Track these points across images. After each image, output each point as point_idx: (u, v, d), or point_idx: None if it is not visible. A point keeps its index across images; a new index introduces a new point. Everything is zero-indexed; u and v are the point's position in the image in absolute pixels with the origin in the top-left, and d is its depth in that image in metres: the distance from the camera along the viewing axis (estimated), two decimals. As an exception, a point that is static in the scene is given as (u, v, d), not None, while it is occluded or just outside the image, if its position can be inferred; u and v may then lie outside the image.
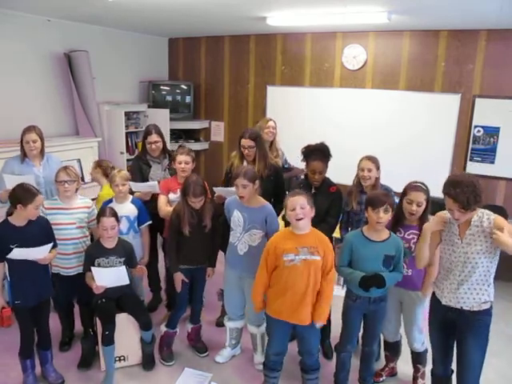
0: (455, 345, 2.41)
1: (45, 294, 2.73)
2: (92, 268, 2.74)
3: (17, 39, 4.29)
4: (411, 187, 2.61)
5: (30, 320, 2.67)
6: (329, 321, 3.14)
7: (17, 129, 3.69)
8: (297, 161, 3.42)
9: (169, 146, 3.92)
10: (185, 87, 5.95)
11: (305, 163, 3.09)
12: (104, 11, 4.12)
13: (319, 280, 2.49)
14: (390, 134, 4.85)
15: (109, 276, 2.77)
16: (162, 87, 5.94)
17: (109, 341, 2.83)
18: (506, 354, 3.19)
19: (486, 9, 3.41)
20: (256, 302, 2.65)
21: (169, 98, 5.91)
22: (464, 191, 2.10)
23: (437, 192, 3.09)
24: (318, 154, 2.98)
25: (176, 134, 5.91)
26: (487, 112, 4.40)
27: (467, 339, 2.28)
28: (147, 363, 3.02)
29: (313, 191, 3.03)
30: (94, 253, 2.85)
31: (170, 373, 2.99)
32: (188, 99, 5.95)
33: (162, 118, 5.21)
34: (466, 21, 4.02)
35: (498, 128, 4.39)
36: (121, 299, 2.93)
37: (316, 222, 2.88)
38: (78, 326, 3.19)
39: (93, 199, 3.23)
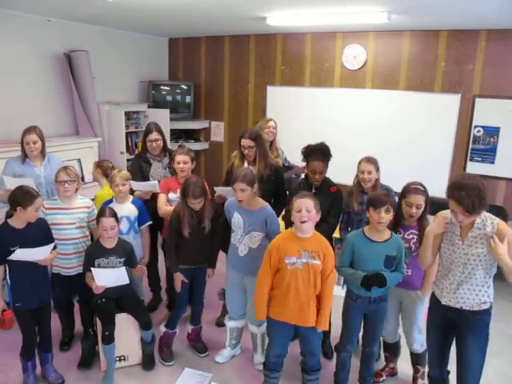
0: (454, 346, 2.40)
1: (45, 297, 2.73)
2: (92, 269, 2.74)
3: (17, 39, 4.29)
4: (410, 190, 2.60)
5: (32, 322, 2.67)
6: (329, 321, 3.14)
7: (17, 129, 3.69)
8: (297, 160, 3.43)
9: (169, 146, 3.92)
10: (185, 87, 5.95)
11: (305, 163, 3.09)
12: (104, 11, 4.12)
13: (319, 283, 2.50)
14: (390, 134, 4.85)
15: (109, 276, 2.77)
16: (162, 87, 5.94)
17: (109, 340, 2.83)
18: (505, 354, 3.19)
19: (486, 9, 3.41)
20: (260, 307, 2.58)
21: (169, 98, 5.91)
22: (469, 195, 2.06)
23: (436, 191, 3.10)
24: (318, 154, 2.98)
25: (176, 134, 5.91)
26: (487, 112, 4.40)
27: (467, 339, 2.28)
28: (147, 363, 3.02)
29: (313, 191, 3.02)
30: (94, 253, 2.85)
31: (170, 373, 2.99)
32: (188, 99, 5.95)
33: (162, 118, 5.20)
34: (466, 21, 4.02)
35: (498, 128, 4.38)
36: (121, 299, 2.93)
37: (316, 222, 2.89)
38: (78, 326, 3.19)
39: (91, 199, 3.23)
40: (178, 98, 5.96)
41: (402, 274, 2.56)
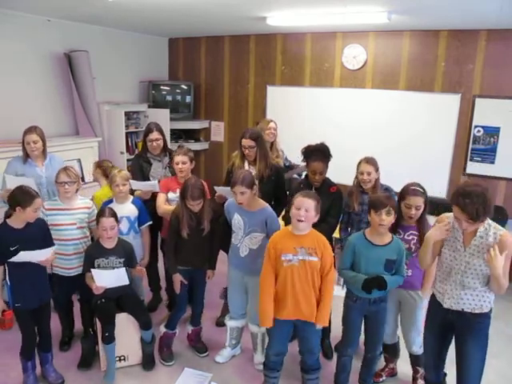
0: (453, 348, 2.39)
1: (45, 297, 2.73)
2: (92, 270, 2.74)
3: (17, 39, 4.29)
4: (409, 192, 2.59)
5: (32, 322, 2.67)
6: (329, 321, 3.14)
7: (17, 129, 3.69)
8: (298, 160, 3.42)
9: (169, 146, 3.92)
10: (185, 87, 5.95)
11: (305, 163, 3.10)
12: (104, 11, 4.12)
13: (318, 280, 2.50)
14: (390, 134, 4.84)
15: (109, 277, 2.77)
16: (162, 87, 5.93)
17: (109, 339, 2.83)
18: (505, 355, 3.18)
19: (486, 9, 3.41)
20: (265, 312, 2.51)
21: (169, 98, 5.91)
22: (473, 202, 2.04)
23: (435, 192, 3.13)
24: (318, 154, 2.98)
25: (176, 134, 5.91)
26: (487, 112, 4.40)
27: (468, 341, 2.28)
28: (147, 363, 3.02)
29: (313, 191, 3.03)
30: (94, 253, 2.85)
31: (170, 373, 2.99)
32: (188, 99, 5.94)
33: (162, 118, 5.20)
34: (466, 21, 4.02)
35: (498, 128, 4.38)
36: (121, 299, 2.93)
37: (316, 222, 2.89)
38: (78, 326, 3.19)
39: (90, 199, 3.23)
40: (178, 97, 5.95)
41: (402, 278, 2.55)
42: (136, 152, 5.25)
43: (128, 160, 5.09)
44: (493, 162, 4.46)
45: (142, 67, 5.78)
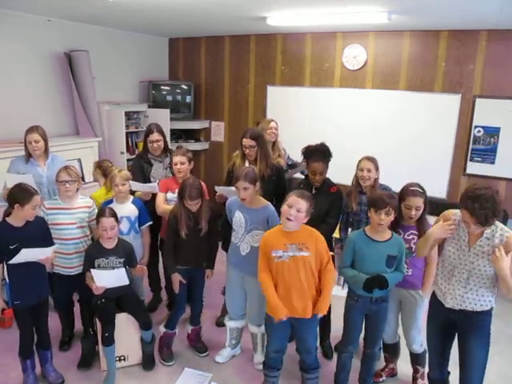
0: (454, 347, 2.40)
1: (43, 294, 2.73)
2: (91, 270, 2.74)
3: (17, 39, 4.29)
4: (409, 192, 2.59)
5: (29, 320, 2.67)
6: (329, 321, 3.14)
7: (17, 129, 3.70)
8: (300, 159, 3.42)
9: (169, 146, 3.92)
10: (185, 87, 5.95)
11: (305, 164, 3.10)
12: (104, 11, 4.12)
13: (313, 275, 2.50)
14: (390, 134, 4.84)
15: (108, 277, 2.77)
16: (162, 87, 5.94)
17: (109, 341, 2.83)
18: (506, 354, 3.19)
19: (486, 9, 3.41)
20: (275, 304, 2.47)
21: (169, 98, 5.91)
22: (483, 206, 2.00)
23: (435, 192, 3.12)
24: (318, 155, 2.98)
25: (176, 134, 5.91)
26: (487, 112, 4.40)
27: (470, 339, 2.28)
28: (147, 363, 3.02)
29: (313, 191, 3.03)
30: (94, 253, 2.85)
31: (169, 373, 2.99)
32: (188, 99, 5.94)
33: (162, 118, 5.21)
34: (466, 21, 4.02)
35: (499, 128, 4.38)
36: (121, 299, 2.93)
37: (316, 223, 2.89)
38: (78, 326, 3.19)
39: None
40: (178, 97, 5.95)
41: (402, 274, 2.56)
42: (136, 152, 5.25)
43: (128, 160, 5.10)
44: (493, 163, 4.46)
45: (142, 67, 5.78)
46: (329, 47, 5.08)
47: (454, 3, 3.30)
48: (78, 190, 3.02)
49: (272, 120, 4.03)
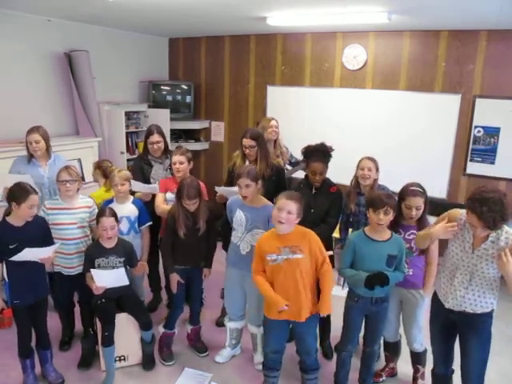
0: (457, 345, 2.40)
1: (42, 293, 2.73)
2: (91, 270, 2.74)
3: (17, 39, 4.29)
4: (409, 192, 2.58)
5: (28, 319, 2.67)
6: (329, 321, 3.14)
7: (17, 129, 3.70)
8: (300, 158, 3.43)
9: (169, 147, 3.92)
10: (185, 87, 5.95)
11: (305, 164, 3.10)
12: (104, 11, 4.12)
13: (309, 276, 2.50)
14: (390, 134, 4.84)
15: (108, 277, 2.77)
16: (162, 87, 5.93)
17: (109, 341, 2.83)
18: (506, 354, 3.19)
19: (486, 9, 3.41)
20: (272, 297, 2.48)
21: (169, 98, 5.91)
22: (491, 210, 1.96)
23: (435, 192, 3.12)
24: (318, 155, 2.98)
25: (176, 134, 5.91)
26: (487, 112, 4.40)
27: (470, 340, 2.27)
28: (147, 363, 3.02)
29: (313, 191, 3.03)
30: (94, 253, 2.85)
31: (169, 373, 2.99)
32: (188, 99, 5.94)
33: (162, 118, 5.21)
34: (466, 21, 4.02)
35: (499, 128, 4.38)
36: (121, 299, 2.93)
37: (316, 223, 2.89)
38: (78, 326, 3.20)
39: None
40: (179, 97, 5.95)
41: (403, 274, 2.56)
42: (136, 152, 5.26)
43: (128, 160, 5.10)
44: (493, 163, 4.46)
45: (142, 67, 5.78)
46: (329, 47, 5.08)
47: (453, 3, 3.30)
48: (78, 189, 3.02)
49: (273, 118, 4.04)
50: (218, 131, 6.06)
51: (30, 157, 3.37)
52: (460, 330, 2.34)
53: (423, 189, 2.62)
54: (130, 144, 5.38)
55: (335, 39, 5.02)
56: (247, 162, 3.33)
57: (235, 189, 2.90)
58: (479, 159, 4.53)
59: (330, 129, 5.00)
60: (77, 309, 3.19)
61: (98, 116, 4.97)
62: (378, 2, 3.48)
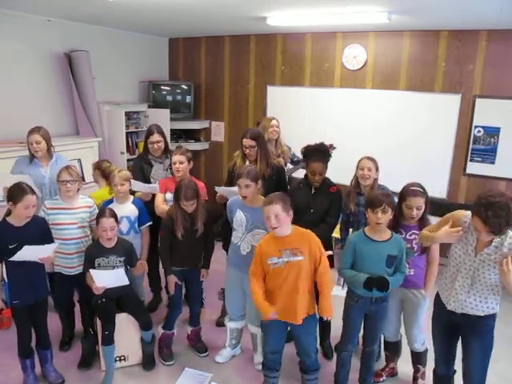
0: (459, 346, 2.39)
1: (41, 293, 2.73)
2: (91, 270, 2.74)
3: (17, 39, 4.28)
4: (409, 193, 2.58)
5: (28, 319, 2.67)
6: (328, 321, 3.14)
7: (17, 129, 3.69)
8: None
9: (169, 147, 3.92)
10: (185, 87, 5.95)
11: (305, 163, 3.10)
12: (104, 11, 4.12)
13: (309, 278, 2.50)
14: (390, 134, 4.84)
15: (108, 277, 2.77)
16: (162, 87, 5.93)
17: (109, 341, 2.83)
18: (506, 356, 3.19)
19: (486, 9, 3.41)
20: (262, 306, 2.52)
21: (169, 98, 5.91)
22: (497, 215, 1.91)
23: (435, 192, 3.12)
24: (317, 155, 2.98)
25: (176, 134, 5.91)
26: (488, 112, 4.39)
27: (472, 343, 2.26)
28: (147, 363, 3.02)
29: (313, 191, 3.03)
30: (94, 253, 2.85)
31: (170, 373, 2.99)
32: (188, 99, 5.94)
33: (162, 118, 5.21)
34: (466, 21, 4.02)
35: (499, 128, 4.38)
36: (121, 299, 2.93)
37: (316, 223, 2.89)
38: (79, 326, 3.20)
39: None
40: (179, 98, 5.95)
41: (403, 275, 2.56)
42: (136, 152, 5.26)
43: (128, 160, 5.10)
44: (493, 163, 4.45)
45: (142, 67, 5.78)
46: (329, 47, 5.08)
47: (453, 3, 3.30)
48: (78, 190, 3.02)
49: (273, 118, 4.04)
50: (218, 131, 6.06)
51: (32, 157, 3.37)
52: (462, 333, 2.33)
53: (424, 189, 2.61)
54: (130, 144, 5.38)
55: (335, 39, 5.02)
56: (247, 162, 3.33)
57: (235, 189, 2.90)
58: (479, 159, 4.53)
59: (330, 129, 5.00)
60: (77, 308, 3.19)
61: (98, 116, 4.97)
62: (378, 2, 3.48)
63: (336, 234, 3.48)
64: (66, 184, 2.90)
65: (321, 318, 2.62)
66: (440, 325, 2.42)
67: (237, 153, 3.46)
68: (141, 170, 3.53)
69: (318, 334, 2.84)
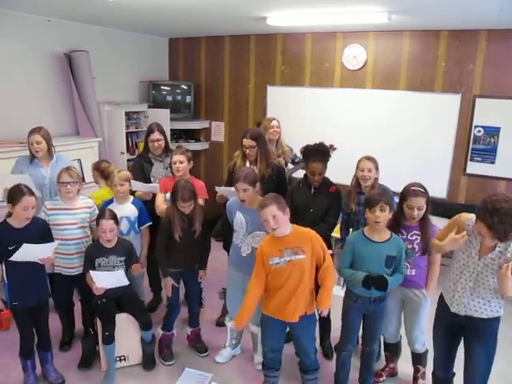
0: (461, 349, 2.38)
1: (43, 296, 2.73)
2: (90, 272, 2.75)
3: (17, 39, 4.28)
4: (410, 192, 2.57)
5: (29, 321, 2.67)
6: (329, 321, 3.14)
7: (17, 129, 3.69)
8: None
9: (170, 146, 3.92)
10: (185, 87, 5.95)
11: (304, 163, 3.10)
12: (104, 11, 4.12)
13: (311, 276, 2.51)
14: (390, 134, 4.84)
15: (108, 279, 2.77)
16: (162, 87, 5.93)
17: (109, 339, 2.84)
18: (507, 356, 3.17)
19: (486, 9, 3.41)
20: (242, 318, 2.56)
21: (169, 98, 5.90)
22: (502, 221, 1.89)
23: (436, 192, 3.11)
24: (317, 155, 2.98)
25: (176, 134, 5.91)
26: (488, 112, 4.39)
27: (475, 346, 2.25)
28: (147, 363, 3.02)
29: (312, 191, 3.03)
30: (94, 253, 2.85)
31: (170, 373, 2.99)
32: (188, 99, 5.94)
33: (162, 118, 5.19)
34: (466, 21, 4.02)
35: (499, 128, 4.38)
36: (121, 299, 2.94)
37: (315, 222, 2.89)
38: (79, 326, 3.20)
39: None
40: (179, 98, 5.95)
41: (402, 275, 2.56)
42: (136, 152, 5.25)
43: (128, 160, 5.10)
44: (493, 162, 4.45)
45: (142, 67, 5.78)
46: (329, 47, 5.08)
47: (453, 3, 3.30)
48: (79, 190, 3.02)
49: (274, 118, 4.05)
50: (218, 131, 6.06)
51: (32, 157, 3.37)
52: (465, 335, 2.32)
53: (425, 189, 2.60)
54: (130, 144, 5.37)
55: (335, 39, 5.02)
56: (247, 162, 3.33)
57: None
58: (479, 159, 4.53)
59: (330, 129, 5.00)
60: (77, 308, 3.20)
61: (98, 116, 4.97)
62: (378, 2, 3.48)
63: (336, 233, 3.48)
64: (66, 185, 2.90)
65: (321, 317, 2.62)
66: (442, 326, 2.41)
67: (237, 153, 3.46)
68: (141, 168, 3.53)
69: (317, 333, 2.84)
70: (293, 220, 2.56)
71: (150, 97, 5.79)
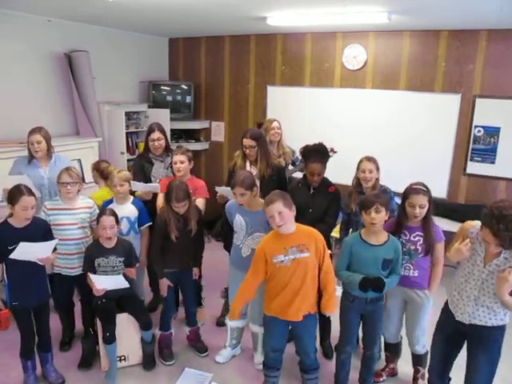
0: (463, 351, 2.37)
1: (43, 296, 2.73)
2: (90, 275, 2.75)
3: (17, 39, 4.28)
4: (412, 190, 2.56)
5: (30, 321, 2.67)
6: (329, 321, 3.14)
7: (17, 129, 3.68)
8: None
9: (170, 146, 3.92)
10: (185, 87, 5.95)
11: (303, 164, 3.10)
12: (104, 11, 4.12)
13: (314, 275, 2.51)
14: (390, 134, 4.84)
15: (108, 281, 2.78)
16: (162, 87, 5.93)
17: (110, 339, 2.84)
18: (509, 362, 3.15)
19: (486, 9, 3.41)
20: (235, 308, 2.62)
21: (169, 98, 5.90)
22: (508, 229, 1.88)
23: (436, 192, 3.10)
24: (316, 155, 2.98)
25: (176, 134, 5.91)
26: (488, 112, 4.39)
27: (478, 355, 2.23)
28: (147, 363, 3.02)
29: (311, 191, 3.03)
30: (94, 252, 2.85)
31: (170, 373, 2.99)
32: (188, 99, 5.94)
33: (162, 118, 5.19)
34: (466, 21, 4.02)
35: (499, 128, 4.38)
36: (121, 299, 2.94)
37: (314, 222, 2.89)
38: (79, 326, 3.20)
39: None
40: (179, 98, 5.95)
41: (398, 276, 2.56)
42: (136, 152, 5.25)
43: (128, 160, 5.10)
44: (493, 162, 4.45)
45: (142, 67, 5.78)
46: (329, 47, 5.08)
47: (453, 3, 3.30)
48: (79, 191, 3.02)
49: (274, 120, 4.05)
50: (218, 131, 6.06)
51: (31, 157, 3.36)
52: (468, 343, 2.30)
53: (427, 188, 2.59)
54: (130, 144, 5.37)
55: (335, 39, 5.02)
56: (248, 162, 3.33)
57: (235, 189, 2.90)
58: (479, 159, 4.53)
59: (330, 129, 5.00)
60: (77, 308, 3.20)
61: (98, 116, 4.97)
62: (378, 2, 3.48)
63: (336, 233, 3.48)
64: (66, 186, 2.90)
65: (321, 317, 2.62)
66: (444, 333, 2.39)
67: (237, 153, 3.46)
68: (141, 168, 3.53)
69: (317, 333, 2.84)
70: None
71: (150, 97, 5.79)
